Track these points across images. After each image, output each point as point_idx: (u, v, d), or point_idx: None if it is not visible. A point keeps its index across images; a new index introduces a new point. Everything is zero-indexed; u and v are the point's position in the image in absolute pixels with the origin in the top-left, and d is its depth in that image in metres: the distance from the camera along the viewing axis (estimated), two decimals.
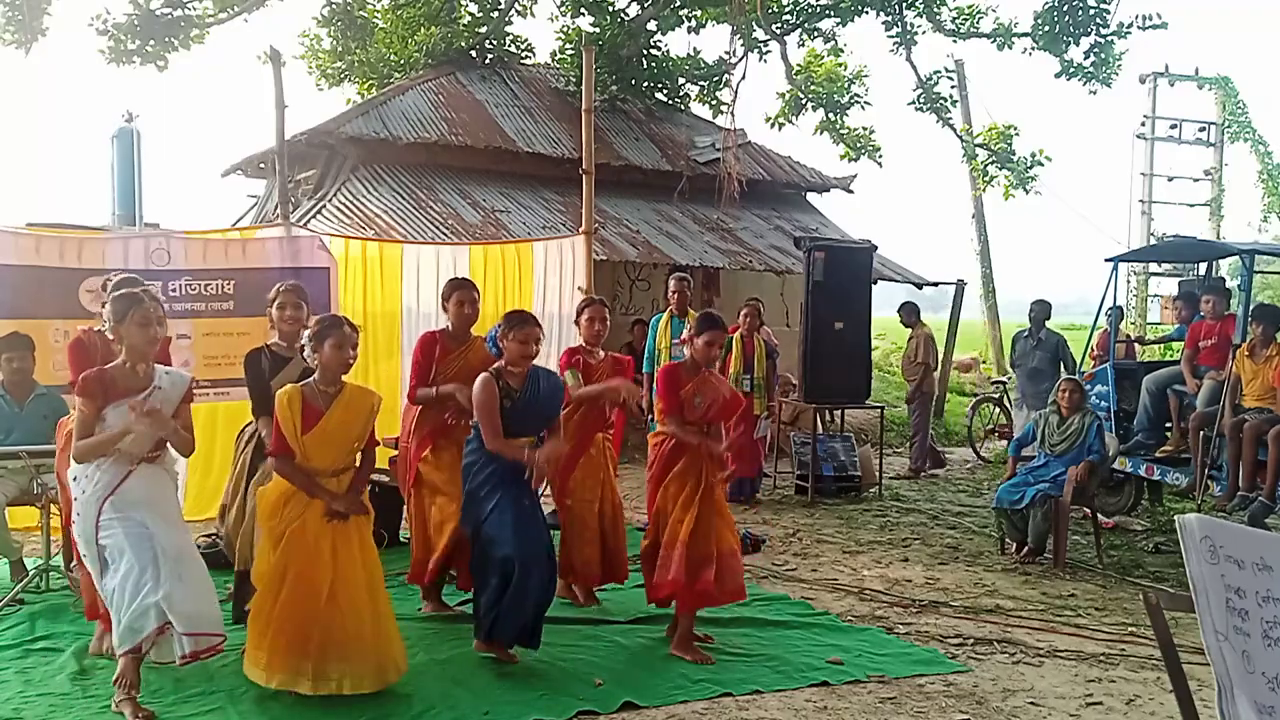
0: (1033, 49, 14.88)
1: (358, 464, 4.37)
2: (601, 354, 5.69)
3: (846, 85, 16.18)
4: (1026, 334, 10.05)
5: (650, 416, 7.75)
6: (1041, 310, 9.95)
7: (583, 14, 15.65)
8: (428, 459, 5.26)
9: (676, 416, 5.01)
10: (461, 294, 5.32)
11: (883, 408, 11.02)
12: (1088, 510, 7.40)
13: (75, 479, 3.97)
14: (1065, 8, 14.15)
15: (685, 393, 5.02)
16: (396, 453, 5.87)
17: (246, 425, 5.10)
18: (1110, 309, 9.02)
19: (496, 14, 16.19)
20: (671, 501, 4.98)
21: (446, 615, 5.34)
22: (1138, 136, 18.03)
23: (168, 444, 4.08)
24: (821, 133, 16.43)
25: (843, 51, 16.61)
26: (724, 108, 15.86)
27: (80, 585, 4.81)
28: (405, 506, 5.54)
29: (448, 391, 5.13)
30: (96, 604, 4.35)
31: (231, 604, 4.98)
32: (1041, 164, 16.00)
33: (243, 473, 4.94)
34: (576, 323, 5.82)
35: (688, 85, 16.52)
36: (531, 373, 4.69)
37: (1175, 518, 2.34)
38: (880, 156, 16.38)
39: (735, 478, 8.83)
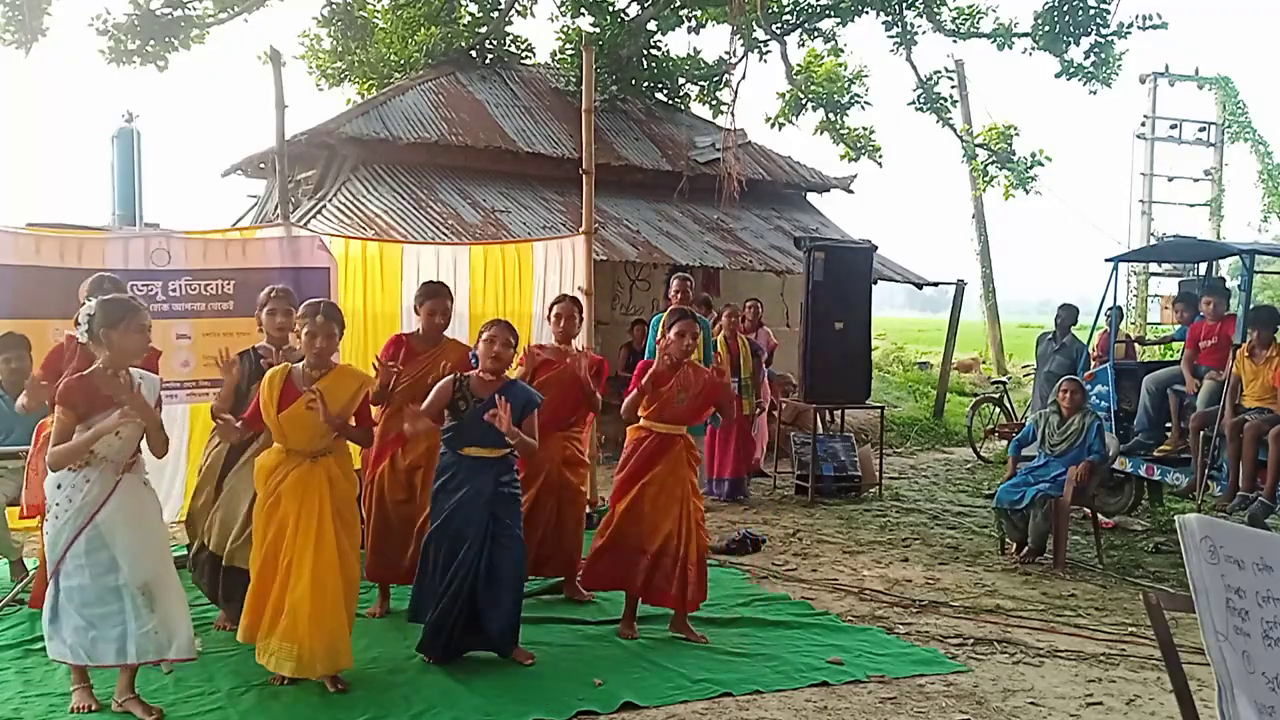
0: (1033, 49, 14.89)
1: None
2: (575, 349, 5.55)
3: (846, 85, 16.19)
4: (1050, 336, 10.06)
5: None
6: (1068, 315, 9.97)
7: (583, 14, 15.65)
8: (387, 470, 5.21)
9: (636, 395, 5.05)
10: (434, 304, 5.27)
11: (883, 408, 11.02)
12: (1088, 510, 7.40)
13: (59, 486, 3.87)
14: (1065, 8, 14.16)
15: (668, 390, 5.02)
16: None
17: (214, 431, 5.10)
18: (1110, 309, 9.02)
19: (496, 14, 16.19)
20: (650, 504, 4.99)
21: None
22: (1138, 136, 18.05)
23: (141, 450, 4.04)
24: (821, 133, 16.46)
25: (843, 51, 16.65)
26: (724, 108, 15.88)
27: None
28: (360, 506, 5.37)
29: (382, 383, 4.93)
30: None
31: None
32: (1041, 164, 16.02)
33: (216, 463, 4.97)
34: (548, 319, 5.75)
35: (688, 85, 16.53)
36: (506, 386, 4.58)
37: (1175, 518, 2.34)
38: (880, 156, 16.40)
39: (722, 476, 8.89)
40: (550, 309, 5.76)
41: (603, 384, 5.64)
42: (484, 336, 4.62)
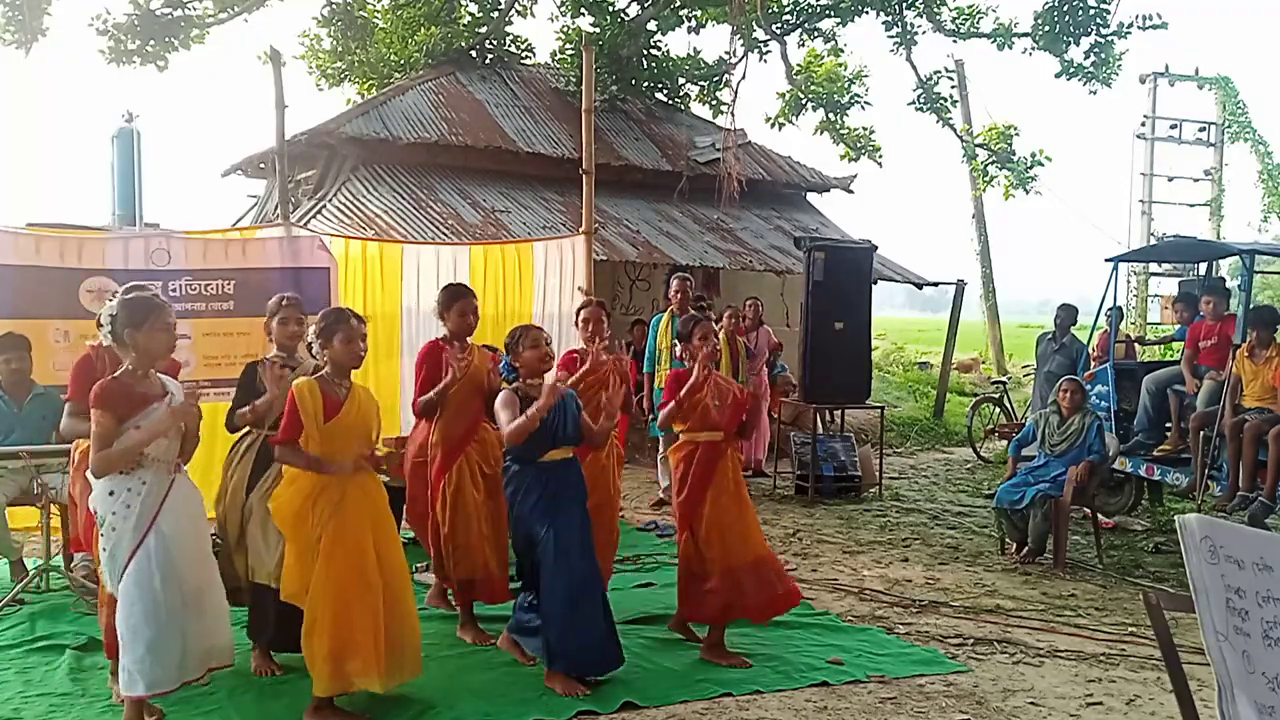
0: (1033, 49, 14.90)
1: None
2: (604, 357, 5.55)
3: (846, 85, 16.21)
4: (1050, 336, 10.06)
5: (652, 418, 7.75)
6: (1067, 315, 9.97)
7: (583, 14, 15.66)
8: (452, 480, 5.08)
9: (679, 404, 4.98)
10: (464, 304, 5.23)
11: (883, 408, 11.02)
12: (1088, 510, 7.40)
13: (112, 493, 3.68)
14: (1065, 8, 14.17)
15: (703, 397, 4.99)
16: (400, 451, 5.81)
17: (237, 443, 4.81)
18: (1110, 309, 9.02)
19: (496, 14, 16.20)
20: (726, 513, 4.89)
21: (448, 616, 5.32)
22: (1138, 136, 18.03)
23: (184, 452, 3.95)
24: (821, 133, 16.47)
25: (843, 51, 16.66)
26: (724, 108, 15.89)
27: (100, 623, 4.34)
28: (428, 519, 5.28)
29: (447, 384, 5.00)
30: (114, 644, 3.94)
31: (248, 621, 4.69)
32: (1041, 164, 16.03)
33: (240, 487, 4.65)
34: (576, 325, 5.79)
35: (688, 85, 16.55)
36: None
37: (1175, 518, 2.34)
38: (880, 156, 16.41)
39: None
40: (578, 313, 5.73)
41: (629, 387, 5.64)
42: (528, 343, 4.64)
